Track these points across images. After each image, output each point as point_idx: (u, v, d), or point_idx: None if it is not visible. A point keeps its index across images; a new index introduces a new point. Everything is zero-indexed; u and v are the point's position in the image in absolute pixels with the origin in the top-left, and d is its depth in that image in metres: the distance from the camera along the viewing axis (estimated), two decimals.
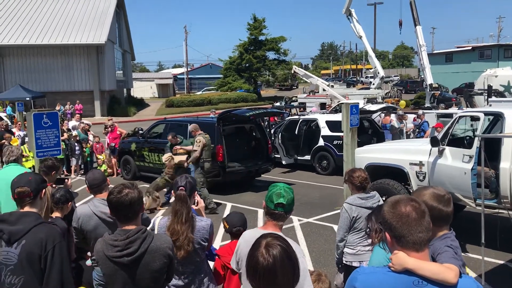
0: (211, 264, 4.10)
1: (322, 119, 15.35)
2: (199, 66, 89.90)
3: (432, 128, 14.20)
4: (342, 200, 10.51)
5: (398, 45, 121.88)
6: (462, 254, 2.83)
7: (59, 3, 41.77)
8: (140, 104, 50.58)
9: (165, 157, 10.87)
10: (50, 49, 36.65)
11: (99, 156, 15.38)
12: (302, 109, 25.91)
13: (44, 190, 3.31)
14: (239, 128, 13.53)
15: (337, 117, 14.67)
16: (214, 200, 10.65)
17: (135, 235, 2.88)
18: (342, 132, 10.93)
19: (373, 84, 32.01)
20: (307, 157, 15.14)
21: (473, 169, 7.14)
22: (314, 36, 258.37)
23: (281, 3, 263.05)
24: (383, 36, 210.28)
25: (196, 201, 4.01)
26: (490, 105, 13.41)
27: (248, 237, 3.02)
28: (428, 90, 26.23)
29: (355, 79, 66.13)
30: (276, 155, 14.47)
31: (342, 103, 11.31)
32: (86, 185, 4.33)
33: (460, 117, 8.18)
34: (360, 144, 10.66)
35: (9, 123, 18.52)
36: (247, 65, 54.33)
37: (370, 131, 15.64)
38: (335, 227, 8.96)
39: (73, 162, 14.87)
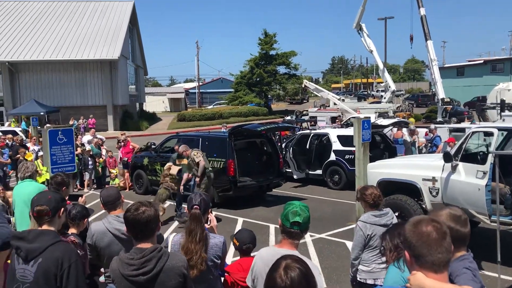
0: None
1: (333, 133, 15.33)
2: (211, 80, 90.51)
3: (444, 142, 14.11)
4: (354, 215, 10.48)
5: (409, 59, 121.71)
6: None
7: (73, 20, 42.50)
8: (152, 118, 50.96)
9: (166, 166, 11.28)
10: (64, 64, 37.21)
11: (112, 170, 15.49)
12: (313, 123, 25.90)
13: (62, 209, 3.36)
14: (250, 143, 13.57)
15: (348, 131, 14.66)
16: (225, 215, 10.66)
17: (150, 254, 2.89)
18: (353, 146, 10.93)
19: (384, 98, 31.95)
20: (319, 172, 15.10)
21: (487, 185, 7.07)
22: (324, 50, 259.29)
23: (292, 18, 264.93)
24: (394, 50, 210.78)
25: (209, 219, 4.02)
26: (503, 120, 13.28)
27: (265, 255, 3.02)
28: (440, 104, 26.11)
29: (366, 93, 66.04)
30: (287, 170, 14.45)
31: (353, 118, 11.32)
32: (99, 201, 4.38)
33: (473, 132, 8.13)
34: (371, 159, 10.62)
35: (24, 138, 18.77)
36: (258, 79, 54.61)
37: (382, 146, 15.58)
38: (348, 243, 8.92)
39: (86, 176, 15.00)
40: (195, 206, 3.74)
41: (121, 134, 16.73)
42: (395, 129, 17.11)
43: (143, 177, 14.15)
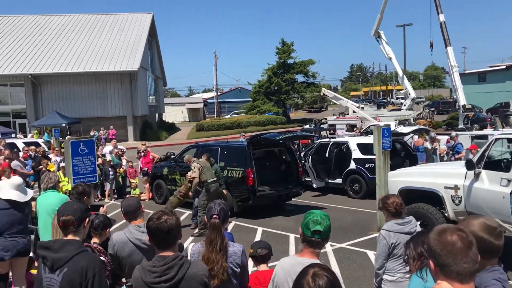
0: None
1: (353, 141, 15.22)
2: (229, 90, 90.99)
3: (466, 150, 13.90)
4: (375, 224, 10.35)
5: (429, 66, 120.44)
6: None
7: (93, 33, 43.33)
8: (172, 128, 51.39)
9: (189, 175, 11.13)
10: (85, 76, 37.88)
11: (132, 180, 15.64)
12: (332, 131, 25.71)
13: (87, 219, 3.42)
14: (269, 152, 13.56)
15: (368, 139, 14.55)
16: (244, 225, 10.64)
17: (172, 262, 2.92)
18: (373, 154, 10.83)
19: (404, 105, 31.67)
20: (339, 181, 14.99)
21: None
22: (343, 58, 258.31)
23: (309, 27, 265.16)
24: (413, 57, 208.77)
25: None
26: None
27: (286, 264, 3.01)
28: (462, 111, 25.76)
29: (385, 100, 65.52)
30: (306, 179, 14.38)
31: (373, 125, 11.22)
32: (120, 210, 4.42)
33: (497, 139, 7.99)
34: (392, 167, 10.50)
35: (46, 149, 19.10)
36: (275, 88, 54.68)
37: (402, 154, 15.40)
38: (369, 252, 8.81)
39: (107, 186, 15.17)
40: (214, 216, 3.74)
41: (142, 144, 16.90)
42: (415, 137, 16.92)
43: (163, 187, 14.25)
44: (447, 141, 16.43)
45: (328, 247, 9.25)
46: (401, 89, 37.81)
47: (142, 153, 16.19)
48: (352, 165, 14.54)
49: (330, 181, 15.22)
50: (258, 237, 10.15)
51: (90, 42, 41.41)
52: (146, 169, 15.62)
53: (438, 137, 16.92)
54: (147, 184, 15.22)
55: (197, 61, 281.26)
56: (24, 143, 20.22)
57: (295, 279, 2.11)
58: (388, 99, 65.26)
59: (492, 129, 18.68)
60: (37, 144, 19.36)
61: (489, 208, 7.31)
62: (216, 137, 37.28)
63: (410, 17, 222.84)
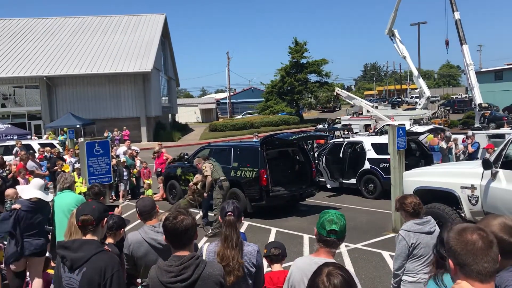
0: None
1: (367, 141, 15.11)
2: (241, 90, 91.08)
3: (483, 149, 13.72)
4: (390, 225, 10.27)
5: (444, 64, 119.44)
6: None
7: (107, 35, 43.72)
8: (185, 129, 51.61)
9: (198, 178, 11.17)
10: (99, 78, 38.22)
11: (146, 181, 15.72)
12: (346, 131, 25.43)
13: (105, 219, 3.44)
14: (282, 152, 13.52)
15: (382, 139, 14.43)
16: (258, 225, 10.61)
17: (188, 261, 2.93)
18: (388, 154, 10.73)
19: (419, 104, 31.36)
20: (353, 181, 14.89)
21: None
22: (356, 57, 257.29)
23: (322, 26, 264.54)
24: (428, 55, 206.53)
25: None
26: None
27: (301, 264, 2.99)
28: (477, 110, 25.42)
29: (400, 99, 65.06)
30: (320, 179, 14.31)
31: (388, 125, 11.13)
32: (135, 211, 4.44)
33: None
34: (407, 167, 10.40)
35: (61, 150, 19.28)
36: (288, 88, 54.56)
37: (417, 153, 15.24)
38: (384, 253, 8.74)
39: (121, 187, 15.26)
40: (229, 213, 3.74)
41: (158, 145, 16.93)
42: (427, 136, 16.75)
43: (176, 187, 14.30)
44: (463, 141, 16.24)
45: (343, 248, 9.19)
46: (416, 88, 37.50)
47: (156, 154, 16.27)
48: (367, 165, 14.44)
49: (344, 181, 15.12)
50: (272, 238, 10.12)
51: (103, 44, 41.79)
52: (159, 169, 15.70)
53: (454, 136, 16.73)
54: (161, 184, 15.29)
55: (210, 61, 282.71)
56: (40, 144, 20.45)
57: (310, 278, 2.11)
58: (403, 98, 64.84)
59: (509, 128, 18.41)
60: (52, 145, 19.57)
61: (506, 208, 7.20)
62: (229, 138, 37.33)
63: (425, 15, 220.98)
